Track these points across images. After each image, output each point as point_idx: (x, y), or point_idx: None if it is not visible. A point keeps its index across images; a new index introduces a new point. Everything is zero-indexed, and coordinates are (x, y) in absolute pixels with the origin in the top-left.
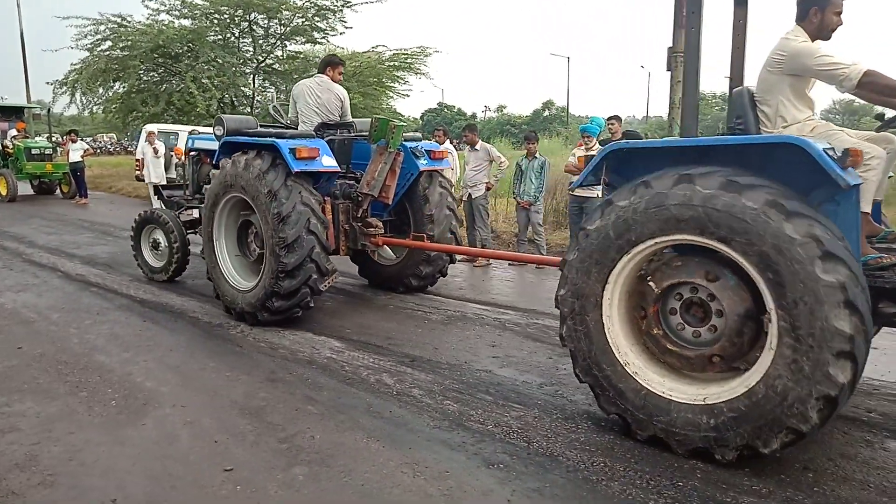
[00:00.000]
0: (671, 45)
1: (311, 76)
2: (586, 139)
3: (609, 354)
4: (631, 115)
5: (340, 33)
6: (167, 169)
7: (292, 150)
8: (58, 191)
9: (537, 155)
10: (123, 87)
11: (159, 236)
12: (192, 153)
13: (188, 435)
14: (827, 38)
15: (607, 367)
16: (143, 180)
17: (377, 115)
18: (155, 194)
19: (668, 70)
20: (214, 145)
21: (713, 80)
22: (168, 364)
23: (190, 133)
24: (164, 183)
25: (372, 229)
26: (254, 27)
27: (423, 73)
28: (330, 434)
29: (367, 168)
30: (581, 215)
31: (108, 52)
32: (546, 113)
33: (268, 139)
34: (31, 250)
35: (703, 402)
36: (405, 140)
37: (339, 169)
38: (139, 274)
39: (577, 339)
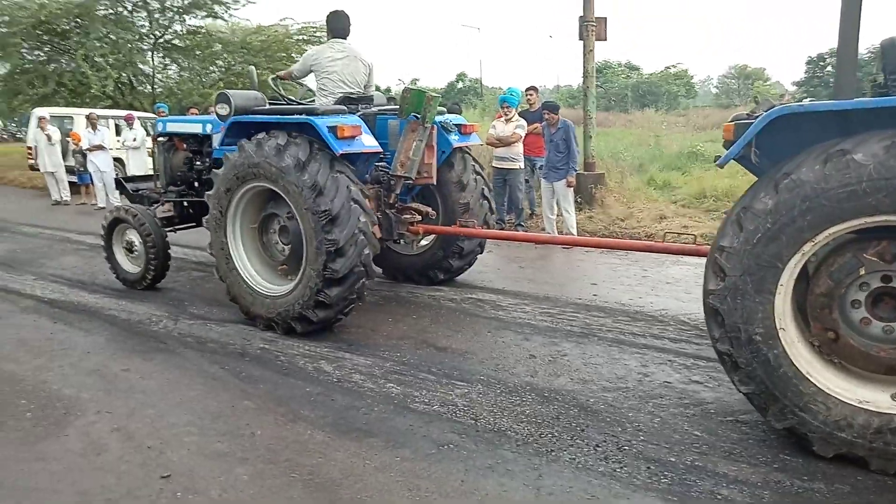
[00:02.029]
0: (582, 13)
1: (324, 42)
2: (506, 110)
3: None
4: (542, 84)
5: (243, 5)
6: (64, 156)
7: (332, 129)
8: None
9: None
10: (6, 68)
11: (134, 237)
12: (162, 139)
13: (117, 443)
14: None
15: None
16: (38, 169)
17: (409, 86)
18: (117, 188)
19: (580, 39)
20: (194, 128)
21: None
22: (86, 368)
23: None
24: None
25: (408, 216)
26: (147, 0)
27: None
28: (271, 429)
29: (398, 147)
30: (504, 187)
31: None
32: (460, 84)
33: (300, 117)
34: None
35: None
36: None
37: (380, 149)
38: (44, 272)
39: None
